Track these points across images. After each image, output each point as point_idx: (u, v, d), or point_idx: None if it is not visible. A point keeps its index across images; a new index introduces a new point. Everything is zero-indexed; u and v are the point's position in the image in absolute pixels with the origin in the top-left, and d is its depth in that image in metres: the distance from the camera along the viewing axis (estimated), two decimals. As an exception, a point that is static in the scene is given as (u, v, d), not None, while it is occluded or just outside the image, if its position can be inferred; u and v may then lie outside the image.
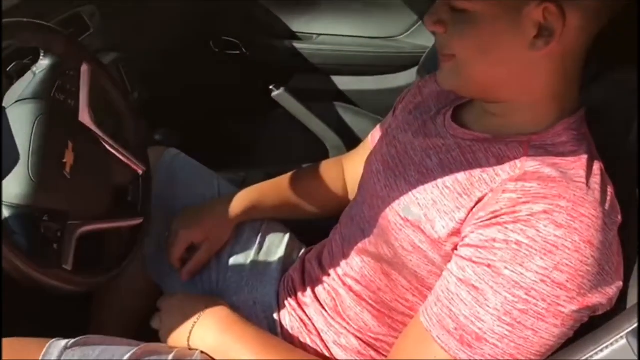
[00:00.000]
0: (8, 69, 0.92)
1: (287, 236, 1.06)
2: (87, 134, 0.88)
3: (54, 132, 0.81)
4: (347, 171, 1.10)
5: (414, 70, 1.73)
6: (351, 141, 1.54)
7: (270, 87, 1.32)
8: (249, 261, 1.00)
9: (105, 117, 0.95)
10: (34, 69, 0.85)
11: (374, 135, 1.04)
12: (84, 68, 0.89)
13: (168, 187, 1.05)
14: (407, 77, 1.77)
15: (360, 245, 0.83)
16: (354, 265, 0.84)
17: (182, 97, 1.66)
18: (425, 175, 0.75)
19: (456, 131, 0.77)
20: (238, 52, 1.85)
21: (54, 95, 0.84)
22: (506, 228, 0.61)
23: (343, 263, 0.86)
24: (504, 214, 0.62)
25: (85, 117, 0.89)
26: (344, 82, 1.84)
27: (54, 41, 0.84)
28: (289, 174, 1.10)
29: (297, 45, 1.81)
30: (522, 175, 0.65)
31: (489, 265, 0.61)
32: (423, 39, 1.79)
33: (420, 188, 0.74)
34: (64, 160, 0.81)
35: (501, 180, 0.66)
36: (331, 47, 1.81)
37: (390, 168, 0.81)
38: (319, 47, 1.81)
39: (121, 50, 1.32)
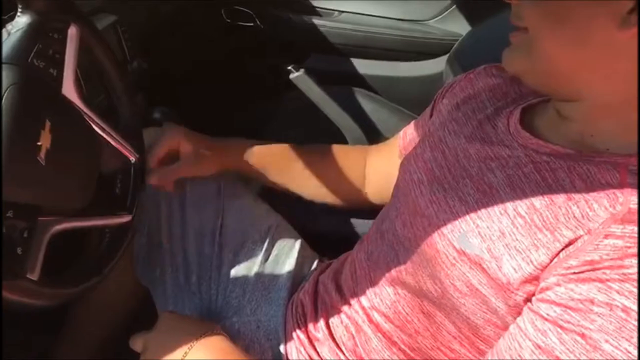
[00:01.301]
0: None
1: (299, 244, 0.91)
2: (70, 111, 0.72)
3: (28, 107, 0.65)
4: (370, 165, 0.95)
5: (443, 58, 1.58)
6: (370, 132, 1.39)
7: (289, 67, 1.16)
8: (253, 272, 0.86)
9: (95, 92, 0.80)
10: (9, 27, 0.69)
11: (407, 133, 0.89)
12: (72, 30, 0.73)
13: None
14: (434, 66, 1.62)
15: (393, 272, 0.68)
16: (384, 297, 0.69)
17: (187, 71, 1.50)
18: (488, 196, 0.60)
19: (527, 140, 0.62)
20: (251, 24, 1.68)
21: (32, 62, 0.68)
22: (609, 287, 0.46)
23: (370, 292, 0.71)
24: (606, 268, 0.47)
25: (70, 90, 0.73)
26: (364, 66, 1.69)
27: (34, -6, 0.68)
28: (304, 146, 0.97)
29: (316, 21, 1.65)
30: (628, 215, 0.50)
31: (582, 335, 0.47)
32: (456, 25, 1.63)
33: (483, 212, 0.59)
34: (39, 143, 0.65)
35: (602, 221, 0.51)
36: (353, 26, 1.65)
37: (436, 179, 0.66)
38: (339, 26, 1.66)
39: (121, 13, 1.16)
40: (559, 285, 0.50)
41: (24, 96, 0.65)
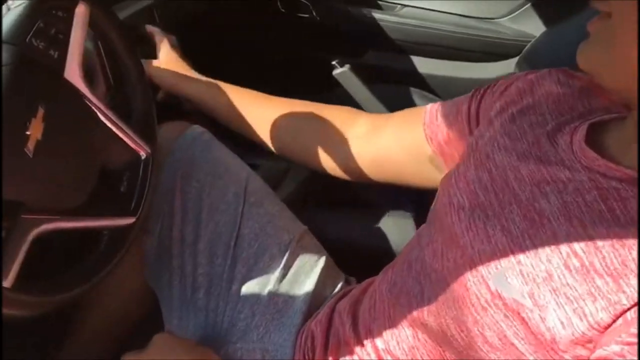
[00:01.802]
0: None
1: (323, 260, 0.81)
2: (71, 98, 0.65)
3: (18, 92, 0.59)
4: (376, 142, 0.81)
5: (513, 61, 1.44)
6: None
7: (333, 62, 1.06)
8: (266, 291, 0.76)
9: (101, 78, 0.73)
10: (9, 2, 0.63)
11: (438, 113, 0.74)
12: (80, 9, 0.66)
13: (181, 176, 0.82)
14: (502, 69, 1.47)
15: (416, 311, 0.57)
16: (401, 340, 0.58)
17: (226, 62, 1.42)
18: (537, 226, 0.48)
19: (593, 162, 0.50)
20: (307, 15, 1.59)
21: (30, 41, 0.61)
22: None
23: (387, 332, 0.60)
24: None
25: (73, 74, 0.66)
26: (424, 65, 1.57)
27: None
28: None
29: (376, 15, 1.54)
30: None
31: None
32: (529, 26, 1.48)
33: (528, 246, 0.47)
34: (27, 133, 0.58)
35: None
36: (416, 21, 1.53)
37: (480, 204, 0.55)
38: (401, 20, 1.54)
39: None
40: (623, 357, 0.38)
41: (15, 79, 0.59)
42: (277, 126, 0.86)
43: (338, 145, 0.81)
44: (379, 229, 0.94)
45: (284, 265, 0.78)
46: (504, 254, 0.48)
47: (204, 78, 0.93)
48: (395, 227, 0.95)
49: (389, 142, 0.79)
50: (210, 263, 0.78)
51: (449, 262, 0.53)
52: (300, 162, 0.88)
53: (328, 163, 0.83)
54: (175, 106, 0.94)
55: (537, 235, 0.48)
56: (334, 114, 0.85)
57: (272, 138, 0.87)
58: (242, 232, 0.79)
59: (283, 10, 1.60)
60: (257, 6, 1.56)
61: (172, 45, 0.95)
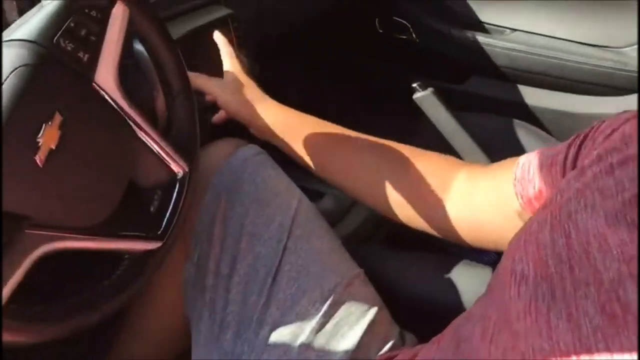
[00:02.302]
0: (8, -6, 0.66)
1: (373, 312, 0.70)
2: (98, 105, 0.59)
3: (34, 94, 0.53)
4: (466, 183, 0.69)
5: (635, 97, 1.25)
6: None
7: (414, 85, 0.95)
8: (298, 342, 0.66)
9: (139, 88, 0.67)
10: (43, 0, 0.58)
11: (531, 163, 0.62)
12: (118, 10, 0.61)
13: (226, 199, 0.74)
14: (625, 104, 1.29)
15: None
16: None
17: (303, 81, 1.35)
18: (617, 324, 0.35)
19: None
20: (405, 36, 1.49)
21: (58, 42, 0.56)
22: None
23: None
24: None
25: (106, 79, 0.60)
26: (533, 96, 1.41)
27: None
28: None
29: (482, 38, 1.41)
30: None
31: None
32: (659, 56, 1.28)
33: (600, 349, 0.34)
34: (38, 140, 0.53)
35: None
36: (527, 47, 1.38)
37: (547, 278, 0.42)
38: (509, 45, 1.39)
39: (243, 7, 1.04)
40: None
41: (32, 81, 0.53)
42: (363, 172, 0.75)
43: (432, 205, 0.69)
44: (451, 279, 0.81)
45: (325, 313, 0.67)
46: (565, 355, 0.35)
47: (276, 105, 0.84)
48: (471, 279, 0.81)
49: (483, 202, 0.66)
50: (242, 301, 0.69)
51: (497, 350, 0.41)
52: (385, 214, 0.75)
53: (417, 221, 0.71)
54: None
55: (615, 340, 0.34)
56: (431, 163, 0.72)
57: (356, 186, 0.76)
58: (281, 269, 0.70)
59: (380, 31, 1.52)
60: (353, 25, 1.49)
61: (239, 60, 0.88)
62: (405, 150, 0.74)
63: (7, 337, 0.51)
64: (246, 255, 0.71)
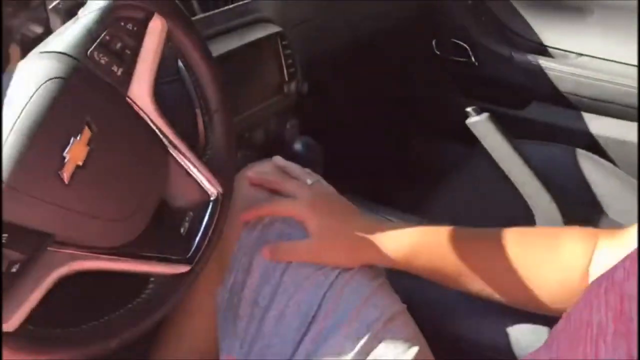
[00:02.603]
0: (51, 6, 0.65)
1: (414, 352, 0.64)
2: (131, 121, 0.57)
3: (64, 108, 0.52)
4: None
5: None
6: (587, 213, 1.03)
7: (468, 109, 0.90)
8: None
9: (178, 105, 0.64)
10: (80, 11, 0.57)
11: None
12: (156, 23, 0.59)
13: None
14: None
15: None
16: None
17: (352, 102, 1.31)
18: None
19: None
20: (464, 59, 1.44)
21: (91, 55, 0.55)
22: None
23: None
24: None
25: (140, 94, 0.58)
26: (599, 125, 1.32)
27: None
28: (486, 231, 0.68)
29: (545, 63, 1.34)
30: None
31: None
32: None
33: None
34: (65, 155, 0.51)
35: None
36: (593, 73, 1.30)
37: (627, 336, 0.36)
38: (574, 71, 1.32)
39: (292, 25, 1.01)
40: None
41: (63, 93, 0.52)
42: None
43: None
44: (501, 322, 0.74)
45: (361, 349, 0.62)
46: None
47: (390, 224, 0.71)
48: (524, 323, 0.74)
49: None
50: (277, 334, 0.65)
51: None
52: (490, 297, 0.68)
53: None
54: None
55: None
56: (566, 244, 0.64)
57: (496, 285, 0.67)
58: (323, 304, 0.65)
59: (437, 52, 1.47)
60: (409, 46, 1.44)
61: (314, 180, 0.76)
62: (544, 236, 0.67)
63: (22, 358, 0.49)
64: (289, 288, 0.67)
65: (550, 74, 1.34)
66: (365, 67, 1.33)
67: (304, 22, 1.06)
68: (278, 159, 0.79)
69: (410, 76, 1.52)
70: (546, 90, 1.35)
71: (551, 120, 1.37)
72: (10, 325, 0.47)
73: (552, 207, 0.87)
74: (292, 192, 0.72)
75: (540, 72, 1.34)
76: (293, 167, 0.77)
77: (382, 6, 1.27)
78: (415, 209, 0.94)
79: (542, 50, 1.36)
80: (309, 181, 0.75)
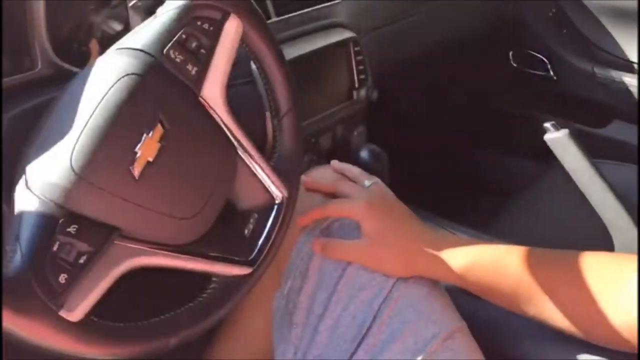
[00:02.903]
0: (132, 4, 0.66)
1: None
2: (202, 120, 0.57)
3: (138, 104, 0.52)
4: None
5: None
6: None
7: (546, 124, 0.85)
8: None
9: (248, 106, 0.64)
10: (158, 10, 0.58)
11: None
12: (232, 24, 0.59)
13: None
14: None
15: None
16: None
17: (422, 112, 1.28)
18: None
19: None
20: (542, 72, 1.38)
21: (167, 53, 0.55)
22: None
23: None
24: None
25: (213, 94, 0.58)
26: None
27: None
28: (556, 252, 0.63)
29: (629, 79, 1.27)
30: None
31: None
32: None
33: None
34: (136, 151, 0.51)
35: None
36: (682, 93, 1.23)
37: None
38: (663, 89, 1.24)
39: (366, 31, 1.00)
40: None
41: (138, 90, 0.52)
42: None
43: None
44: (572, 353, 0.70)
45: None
46: None
47: (456, 239, 0.67)
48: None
49: None
50: (330, 344, 0.63)
51: None
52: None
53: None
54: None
55: None
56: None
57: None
58: (378, 316, 0.63)
59: (514, 65, 1.42)
60: (484, 57, 1.40)
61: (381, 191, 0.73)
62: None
63: (81, 349, 0.50)
64: (343, 298, 0.65)
65: (635, 91, 1.27)
66: (438, 77, 1.30)
67: (377, 28, 1.05)
68: (335, 163, 0.78)
69: (485, 88, 1.48)
70: (628, 109, 1.28)
71: (632, 141, 1.30)
72: (74, 316, 0.48)
73: (633, 232, 0.82)
74: (348, 192, 0.70)
75: (623, 89, 1.28)
76: (350, 169, 0.76)
77: (459, 15, 1.24)
78: (481, 226, 0.90)
79: (627, 66, 1.29)
80: (366, 182, 0.73)
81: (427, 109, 1.33)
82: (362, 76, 0.96)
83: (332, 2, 0.98)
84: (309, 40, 0.89)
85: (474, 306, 0.77)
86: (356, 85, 0.96)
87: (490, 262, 0.62)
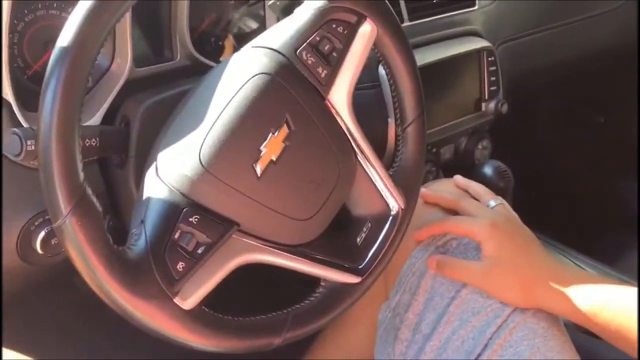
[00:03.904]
0: (270, 3, 0.67)
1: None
2: (326, 124, 0.57)
3: (268, 104, 0.53)
4: None
5: None
6: None
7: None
8: None
9: (371, 112, 0.63)
10: (296, 10, 0.58)
11: None
12: (367, 28, 0.58)
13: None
14: None
15: None
16: None
17: (553, 132, 1.20)
18: None
19: None
20: None
21: (300, 54, 0.55)
22: None
23: None
24: None
25: (339, 98, 0.57)
26: None
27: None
28: None
29: None
30: None
31: None
32: None
33: None
34: (261, 149, 0.52)
35: None
36: None
37: None
38: None
39: (501, 41, 0.96)
40: None
41: (269, 89, 0.53)
42: None
43: None
44: None
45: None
46: None
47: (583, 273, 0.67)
48: None
49: None
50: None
51: None
52: None
53: None
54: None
55: None
56: None
57: None
58: (489, 343, 0.60)
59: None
60: (619, 75, 1.30)
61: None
62: None
63: (188, 337, 0.51)
64: (453, 321, 0.63)
65: None
66: (571, 94, 1.22)
67: (513, 39, 1.00)
68: (459, 178, 0.75)
69: (621, 108, 1.37)
70: None
71: None
72: (187, 304, 0.49)
73: None
74: (472, 211, 0.67)
75: None
76: (475, 186, 0.73)
77: (598, 31, 1.16)
78: (612, 261, 0.84)
79: None
80: (492, 202, 0.69)
81: (558, 127, 1.25)
82: (493, 88, 0.92)
83: (468, 9, 0.95)
84: (441, 47, 0.86)
85: (592, 345, 0.71)
86: (485, 96, 0.92)
87: (622, 306, 0.57)
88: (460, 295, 0.64)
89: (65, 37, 0.44)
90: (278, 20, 0.65)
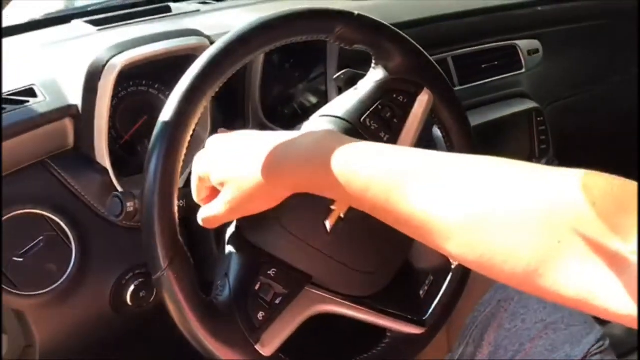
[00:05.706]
0: (336, 76, 0.73)
1: None
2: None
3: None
4: None
5: None
6: None
7: None
8: None
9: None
10: (359, 82, 0.64)
11: None
12: (424, 97, 0.63)
13: (506, 309, 0.69)
14: None
15: None
16: None
17: None
18: None
19: None
20: None
21: (364, 121, 0.61)
22: None
23: None
24: None
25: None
26: None
27: (388, 46, 0.61)
28: None
29: None
30: None
31: None
32: None
33: None
34: (332, 207, 0.57)
35: None
36: None
37: None
38: None
39: (549, 102, 1.00)
40: None
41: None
42: None
43: None
44: None
45: None
46: None
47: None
48: None
49: None
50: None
51: None
52: None
53: None
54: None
55: None
56: None
57: None
58: None
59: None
60: None
61: None
62: None
63: None
64: None
65: None
66: (621, 153, 1.24)
67: (561, 99, 1.04)
68: None
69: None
70: None
71: None
72: (267, 351, 0.54)
73: None
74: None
75: None
76: None
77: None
78: None
79: None
80: None
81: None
82: (544, 146, 0.96)
83: (516, 72, 0.99)
84: (491, 108, 0.91)
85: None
86: (536, 155, 0.96)
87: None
88: (525, 349, 0.66)
89: (167, 112, 0.51)
90: (340, 92, 0.71)
